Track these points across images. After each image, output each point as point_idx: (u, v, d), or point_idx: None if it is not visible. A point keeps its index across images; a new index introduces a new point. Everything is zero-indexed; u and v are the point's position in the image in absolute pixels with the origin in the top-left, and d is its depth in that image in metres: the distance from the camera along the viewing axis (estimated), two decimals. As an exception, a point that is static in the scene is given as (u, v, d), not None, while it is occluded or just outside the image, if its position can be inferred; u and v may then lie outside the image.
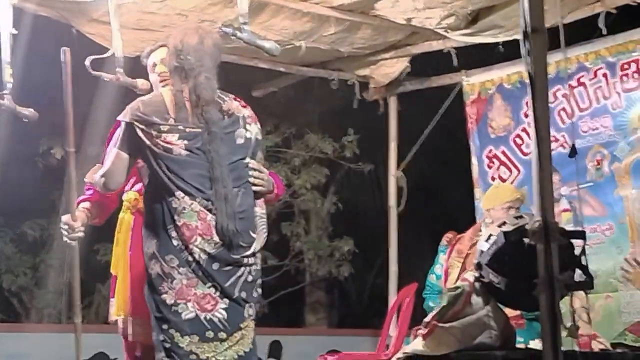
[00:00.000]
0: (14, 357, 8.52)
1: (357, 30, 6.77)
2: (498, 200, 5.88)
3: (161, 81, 4.50)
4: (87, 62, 4.60)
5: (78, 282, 4.73)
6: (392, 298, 7.60)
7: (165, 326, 3.97)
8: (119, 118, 4.13)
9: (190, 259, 3.97)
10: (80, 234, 4.45)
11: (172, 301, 3.96)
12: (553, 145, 6.60)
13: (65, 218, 4.43)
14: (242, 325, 4.04)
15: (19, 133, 8.66)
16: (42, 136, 10.00)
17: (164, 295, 3.97)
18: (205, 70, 4.13)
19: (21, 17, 5.62)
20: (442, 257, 6.03)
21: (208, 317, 3.97)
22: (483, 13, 6.38)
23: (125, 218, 4.51)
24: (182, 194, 4.00)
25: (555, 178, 6.37)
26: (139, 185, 4.44)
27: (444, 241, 6.08)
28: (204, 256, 3.98)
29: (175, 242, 3.98)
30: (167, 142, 4.02)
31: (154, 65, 4.55)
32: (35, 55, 6.12)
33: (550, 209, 3.29)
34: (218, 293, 4.00)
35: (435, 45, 7.17)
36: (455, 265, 5.84)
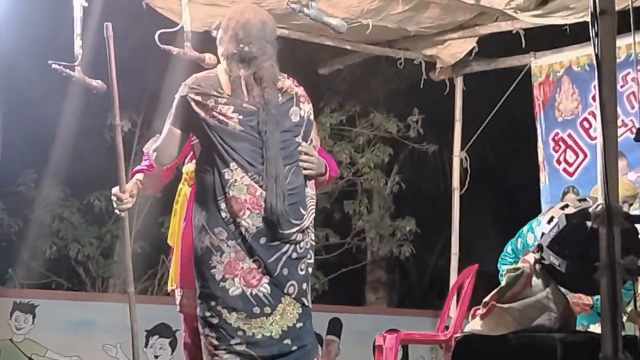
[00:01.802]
0: (79, 325, 8.68)
1: (424, 10, 6.74)
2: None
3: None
4: (156, 36, 4.65)
5: (129, 252, 4.82)
6: (453, 279, 7.60)
7: (213, 302, 3.98)
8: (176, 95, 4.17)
9: (237, 232, 3.99)
10: (128, 205, 4.52)
11: (221, 276, 3.98)
12: (621, 129, 6.54)
13: (114, 190, 4.51)
14: (282, 300, 4.04)
15: (87, 105, 8.80)
16: (109, 109, 10.13)
17: (212, 270, 3.99)
18: (268, 58, 4.16)
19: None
20: (538, 229, 5.72)
21: (254, 293, 3.99)
22: (553, -6, 6.32)
23: (183, 190, 4.57)
24: (235, 166, 4.02)
25: (622, 163, 6.29)
26: None
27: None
28: (251, 230, 3.99)
29: (223, 215, 4.01)
30: (222, 114, 4.04)
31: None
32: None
33: (614, 193, 3.27)
34: (261, 268, 4.01)
35: (503, 26, 7.12)
36: None
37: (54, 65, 4.60)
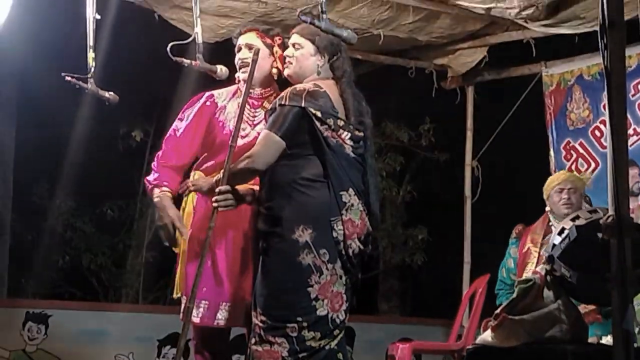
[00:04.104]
0: (92, 334, 8.67)
1: (435, 20, 6.75)
2: (549, 186, 5.92)
3: (240, 67, 4.54)
4: (168, 48, 4.67)
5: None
6: (465, 288, 7.59)
7: (299, 318, 4.02)
8: (280, 102, 4.13)
9: (343, 252, 4.07)
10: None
11: (314, 295, 4.03)
12: (632, 139, 6.53)
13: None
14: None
15: (100, 116, 8.84)
16: (122, 119, 10.17)
17: (309, 289, 4.03)
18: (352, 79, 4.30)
19: (105, 2, 5.72)
20: (513, 250, 6.00)
21: (334, 317, 4.08)
22: (563, 4, 6.30)
23: (190, 197, 4.58)
24: (353, 191, 4.11)
25: (634, 172, 6.29)
26: (208, 164, 4.51)
27: (513, 234, 6.06)
28: (355, 252, 4.11)
29: (334, 234, 4.05)
30: (341, 139, 4.12)
31: (239, 48, 4.60)
32: (118, 39, 6.23)
33: (625, 204, 3.27)
34: (347, 293, 4.12)
35: (514, 36, 7.12)
36: (533, 254, 5.80)
37: (67, 78, 4.63)
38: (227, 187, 4.26)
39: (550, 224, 5.84)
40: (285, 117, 4.08)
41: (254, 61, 4.40)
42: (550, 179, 6.03)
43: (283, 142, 4.08)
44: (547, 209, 5.95)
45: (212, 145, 4.54)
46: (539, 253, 5.75)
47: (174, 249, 4.62)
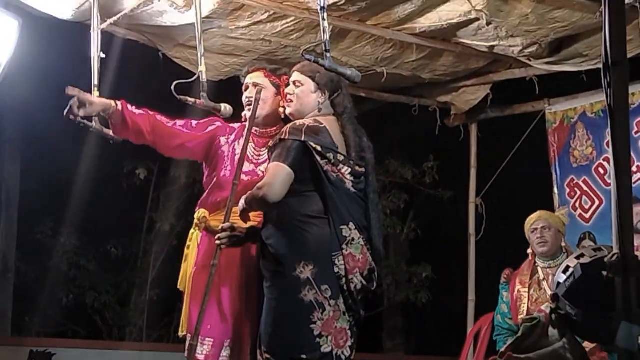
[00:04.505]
0: (95, 373, 8.67)
1: (439, 57, 6.78)
2: (526, 227, 6.05)
3: (247, 105, 4.56)
4: (173, 86, 4.69)
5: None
6: (470, 326, 7.56)
7: (304, 356, 4.02)
8: (281, 137, 4.15)
9: (345, 288, 4.06)
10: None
11: (318, 332, 4.03)
12: (636, 176, 6.53)
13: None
14: None
15: (104, 154, 8.86)
16: (126, 157, 10.20)
17: (312, 325, 4.03)
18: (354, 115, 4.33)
19: (110, 41, 5.76)
20: (504, 295, 6.02)
21: (339, 353, 4.07)
22: (566, 42, 6.32)
23: (194, 234, 4.58)
24: (353, 226, 4.11)
25: (637, 209, 6.27)
26: (212, 200, 4.50)
27: (502, 278, 6.09)
28: (358, 288, 4.09)
29: (336, 270, 4.05)
30: (341, 174, 4.13)
31: (247, 87, 4.62)
32: (123, 78, 6.26)
33: (630, 242, 3.25)
34: (351, 330, 4.12)
35: (517, 73, 7.13)
36: (524, 295, 5.83)
37: (71, 117, 4.64)
38: (230, 225, 4.28)
39: (536, 264, 5.93)
40: (289, 150, 4.10)
41: (257, 100, 4.44)
42: (526, 220, 6.07)
43: (292, 173, 4.08)
44: (529, 250, 6.00)
45: (214, 181, 4.55)
46: (529, 293, 5.79)
47: (178, 286, 4.63)
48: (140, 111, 4.54)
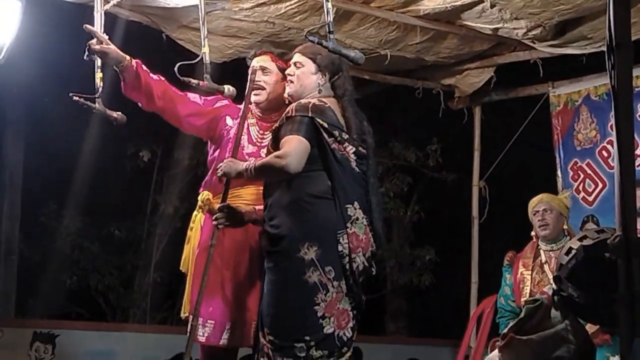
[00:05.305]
0: (99, 355, 8.67)
1: (442, 40, 6.77)
2: (529, 211, 6.02)
3: (253, 89, 4.55)
4: (176, 68, 4.68)
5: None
6: (473, 308, 7.57)
7: (307, 337, 4.02)
8: (288, 115, 4.14)
9: (347, 267, 4.05)
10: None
11: (321, 314, 4.03)
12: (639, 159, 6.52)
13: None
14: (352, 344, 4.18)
15: (108, 135, 8.86)
16: (130, 139, 10.19)
17: (316, 307, 4.03)
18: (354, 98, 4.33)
19: (113, 22, 5.75)
20: (507, 277, 6.02)
21: (340, 334, 4.08)
22: (570, 24, 6.31)
23: (198, 216, 4.59)
24: (358, 205, 4.10)
25: (641, 192, 6.26)
26: (214, 182, 4.51)
27: (505, 261, 6.08)
28: (360, 268, 4.09)
29: (340, 248, 4.05)
30: (347, 152, 4.14)
31: (253, 71, 4.61)
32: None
33: (632, 224, 3.26)
34: (353, 310, 4.12)
35: (521, 56, 7.12)
36: (527, 278, 5.84)
37: (75, 98, 4.64)
38: (226, 204, 4.29)
39: (539, 247, 5.93)
40: (300, 123, 4.10)
41: (252, 80, 4.45)
42: (529, 203, 6.06)
43: (309, 145, 4.08)
44: (532, 233, 6.00)
45: (217, 161, 4.55)
46: (532, 276, 5.80)
47: (181, 268, 4.64)
48: (154, 75, 4.54)
